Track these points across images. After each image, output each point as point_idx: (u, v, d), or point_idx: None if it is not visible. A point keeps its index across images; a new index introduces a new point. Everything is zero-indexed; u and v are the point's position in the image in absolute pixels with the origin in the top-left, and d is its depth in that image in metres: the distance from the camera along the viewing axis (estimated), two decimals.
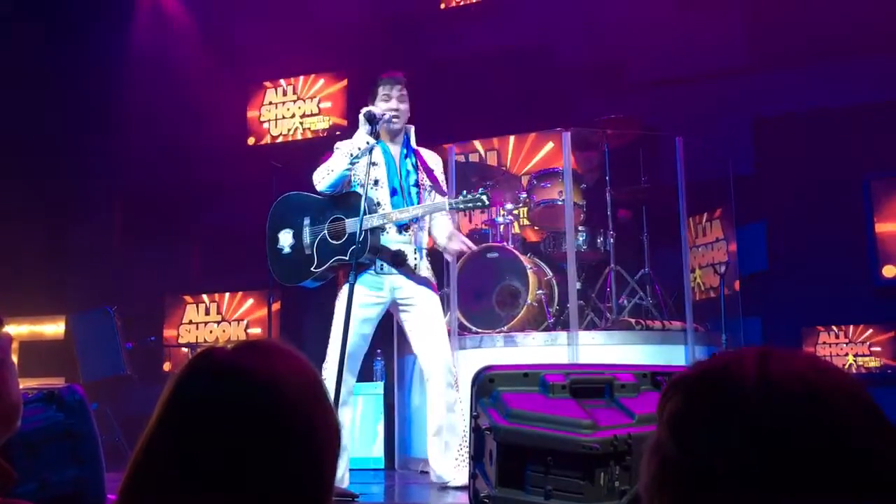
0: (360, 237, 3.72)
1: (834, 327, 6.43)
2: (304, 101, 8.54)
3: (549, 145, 7.08)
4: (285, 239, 4.14)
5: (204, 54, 8.33)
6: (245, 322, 8.16)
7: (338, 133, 7.38)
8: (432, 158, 4.25)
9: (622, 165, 5.99)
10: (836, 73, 6.55)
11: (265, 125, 8.66)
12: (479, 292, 5.34)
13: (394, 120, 4.07)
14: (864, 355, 6.30)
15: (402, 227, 4.05)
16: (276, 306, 7.03)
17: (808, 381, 0.81)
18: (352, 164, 3.96)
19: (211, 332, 8.23)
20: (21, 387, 1.24)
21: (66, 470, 2.47)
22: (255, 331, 8.01)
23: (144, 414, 1.02)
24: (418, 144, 4.24)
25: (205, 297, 8.33)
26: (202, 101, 8.14)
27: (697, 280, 6.49)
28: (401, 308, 4.05)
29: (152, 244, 8.17)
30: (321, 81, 8.49)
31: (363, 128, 3.94)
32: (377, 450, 5.50)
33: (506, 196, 5.80)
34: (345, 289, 3.75)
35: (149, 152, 8.20)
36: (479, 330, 5.22)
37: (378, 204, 3.99)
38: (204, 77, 8.22)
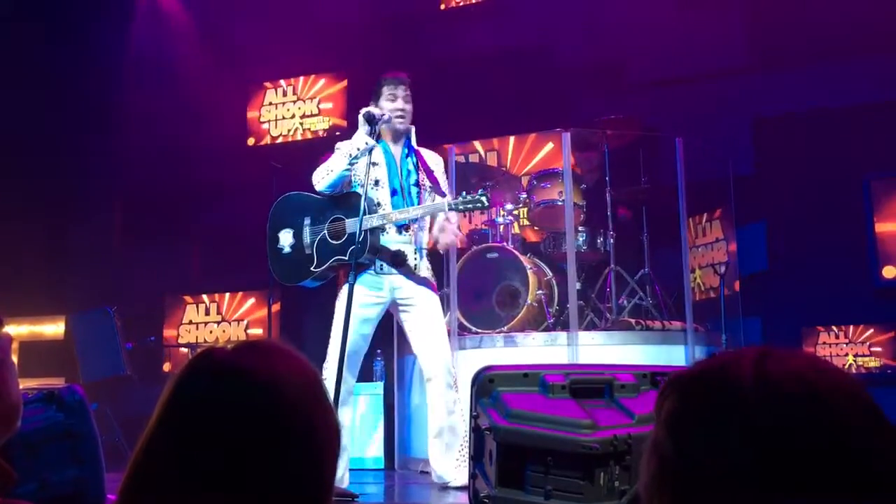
0: (359, 237, 3.72)
1: (834, 327, 6.44)
2: (304, 101, 8.54)
3: (549, 146, 7.09)
4: (285, 238, 4.14)
5: (204, 54, 8.33)
6: (245, 322, 8.16)
7: (338, 133, 7.37)
8: (433, 159, 4.25)
9: (622, 166, 5.99)
10: (836, 73, 6.55)
11: (265, 125, 8.66)
12: (479, 292, 5.34)
13: (399, 120, 4.07)
14: (864, 355, 6.31)
15: (402, 228, 4.05)
16: (276, 307, 7.03)
17: (808, 381, 0.81)
18: (351, 164, 3.96)
19: (211, 332, 8.23)
20: (21, 387, 1.24)
21: (66, 470, 2.47)
22: (256, 331, 8.01)
23: (144, 414, 1.03)
24: (418, 145, 4.24)
25: (205, 297, 8.33)
26: (202, 101, 8.14)
27: (697, 280, 6.49)
28: (401, 308, 4.05)
29: (152, 244, 8.17)
30: (321, 82, 8.49)
31: (362, 128, 3.94)
32: (377, 450, 5.50)
33: (506, 196, 5.80)
34: (345, 289, 3.75)
35: (149, 152, 8.21)
36: (479, 330, 5.22)
37: (378, 204, 3.99)
38: (204, 77, 8.22)
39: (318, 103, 8.47)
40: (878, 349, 6.28)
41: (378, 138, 4.04)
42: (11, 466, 1.13)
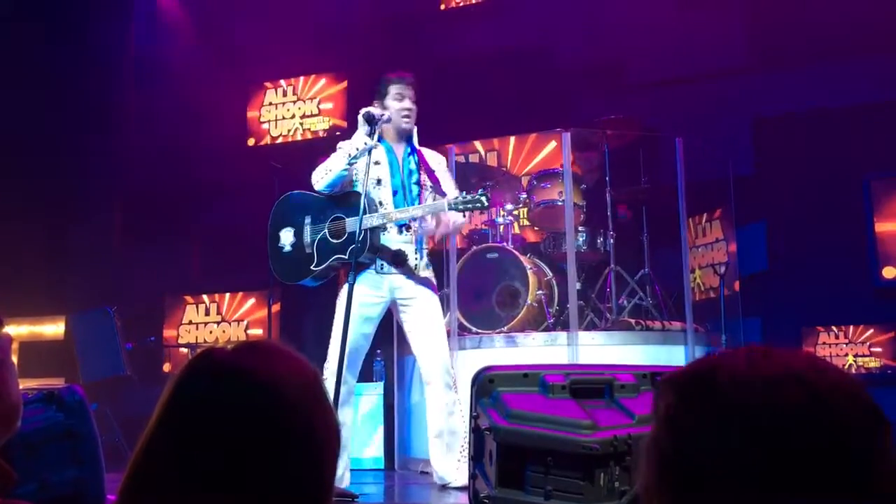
0: (359, 236, 3.73)
1: (834, 328, 6.44)
2: (304, 101, 8.54)
3: (550, 146, 7.08)
4: (286, 237, 4.15)
5: (204, 54, 8.33)
6: (245, 323, 8.16)
7: (338, 133, 7.37)
8: (435, 158, 4.25)
9: (622, 166, 5.99)
10: (836, 73, 6.55)
11: (265, 125, 8.66)
12: (479, 292, 5.34)
13: (406, 120, 4.08)
14: (864, 356, 6.31)
15: (404, 227, 4.05)
16: (276, 307, 7.02)
17: (808, 381, 0.81)
18: (349, 164, 3.96)
19: (211, 332, 8.23)
20: (21, 387, 1.24)
21: (65, 470, 2.46)
22: (256, 331, 8.01)
23: (144, 414, 1.03)
24: (419, 145, 4.24)
25: (205, 297, 8.33)
26: (202, 101, 8.14)
27: (697, 280, 6.49)
28: (401, 308, 4.05)
29: (152, 244, 8.17)
30: (321, 82, 8.49)
31: (362, 128, 3.94)
32: (377, 450, 5.50)
33: (506, 196, 5.80)
34: (345, 288, 3.75)
35: (149, 152, 8.21)
36: (479, 330, 5.22)
37: (380, 203, 3.99)
38: (204, 77, 8.22)
39: (319, 103, 8.47)
40: (878, 349, 6.28)
41: (380, 138, 4.04)
42: (11, 467, 1.13)
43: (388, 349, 5.53)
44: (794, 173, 6.53)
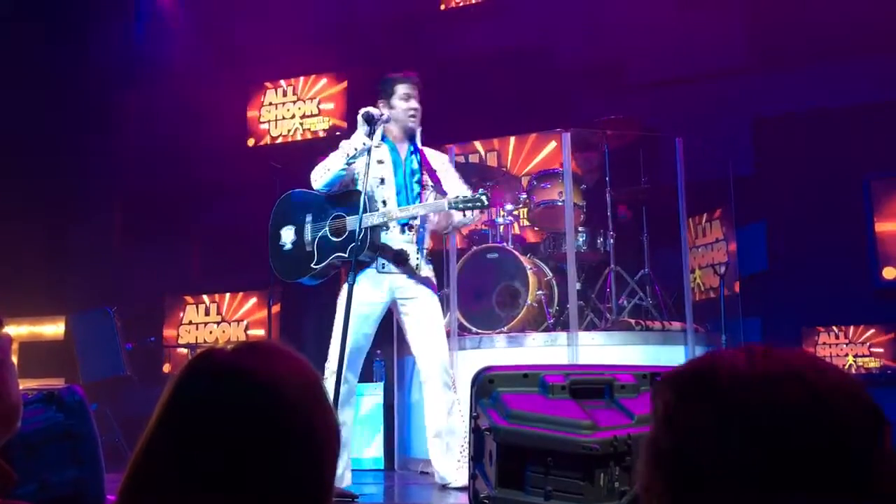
0: (359, 235, 3.73)
1: (834, 328, 6.43)
2: (304, 101, 8.54)
3: (550, 146, 7.08)
4: (287, 235, 4.15)
5: (204, 54, 8.33)
6: (245, 323, 8.16)
7: (338, 133, 7.36)
8: (437, 158, 4.26)
9: (622, 166, 5.99)
10: (836, 73, 6.55)
11: (265, 126, 8.66)
12: (479, 293, 5.34)
13: (412, 119, 4.10)
14: (864, 356, 6.30)
15: (406, 227, 4.05)
16: (276, 307, 7.02)
17: (809, 381, 0.81)
18: (348, 164, 3.96)
19: (211, 332, 8.23)
20: (21, 387, 1.24)
21: (65, 471, 2.46)
22: (256, 332, 8.01)
23: (144, 415, 1.02)
24: (421, 144, 4.24)
25: (205, 297, 8.33)
26: (202, 101, 8.14)
27: (697, 280, 6.49)
28: (401, 307, 4.05)
29: (152, 244, 8.17)
30: (321, 82, 8.49)
31: (361, 128, 3.94)
32: (377, 450, 5.50)
33: (506, 197, 5.80)
34: (345, 288, 3.75)
35: (149, 152, 8.21)
36: (479, 330, 5.22)
37: (383, 202, 3.99)
38: (204, 77, 8.22)
39: (319, 103, 8.46)
40: (879, 350, 6.28)
41: (384, 137, 4.04)
42: (11, 467, 1.13)
43: (388, 349, 5.53)
44: (794, 173, 6.53)
